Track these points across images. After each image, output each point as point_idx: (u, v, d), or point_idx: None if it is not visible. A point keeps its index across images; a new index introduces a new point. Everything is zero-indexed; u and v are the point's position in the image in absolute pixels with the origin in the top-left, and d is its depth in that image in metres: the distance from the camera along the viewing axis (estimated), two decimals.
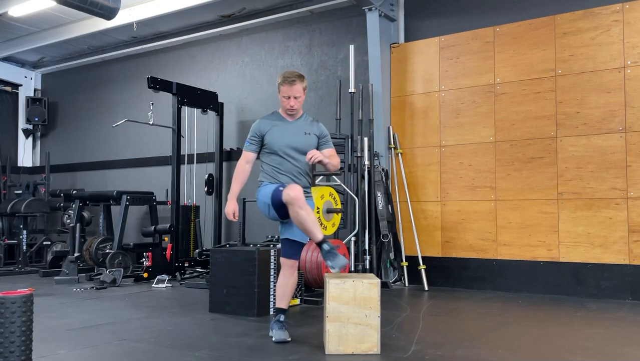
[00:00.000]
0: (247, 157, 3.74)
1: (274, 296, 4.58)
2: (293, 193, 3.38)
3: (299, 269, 5.20)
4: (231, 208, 3.69)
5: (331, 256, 3.34)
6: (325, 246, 3.38)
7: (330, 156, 3.72)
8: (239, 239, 6.86)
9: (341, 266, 3.31)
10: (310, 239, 3.54)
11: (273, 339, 3.58)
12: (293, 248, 3.68)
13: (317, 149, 3.74)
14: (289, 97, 3.65)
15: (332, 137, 6.16)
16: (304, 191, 3.60)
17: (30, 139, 10.52)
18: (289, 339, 3.56)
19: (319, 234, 3.41)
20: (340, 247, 5.46)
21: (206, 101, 7.66)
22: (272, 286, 4.59)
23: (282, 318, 3.65)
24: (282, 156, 3.65)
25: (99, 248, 7.23)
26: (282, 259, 3.71)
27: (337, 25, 7.28)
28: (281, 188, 3.48)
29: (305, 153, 3.64)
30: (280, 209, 3.51)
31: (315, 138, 3.74)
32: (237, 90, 8.17)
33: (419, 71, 6.59)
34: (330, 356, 3.20)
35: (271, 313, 4.55)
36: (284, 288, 3.70)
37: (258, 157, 3.78)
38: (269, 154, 3.69)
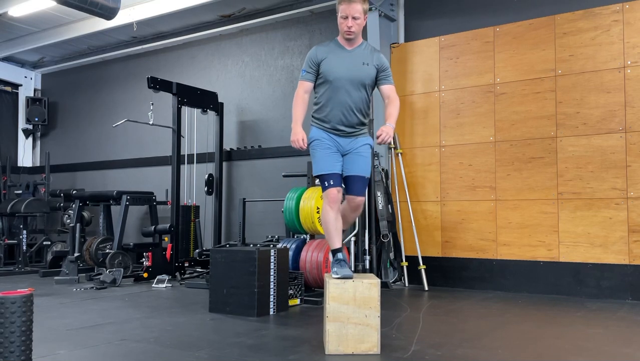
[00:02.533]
0: (305, 87, 3.54)
1: (274, 296, 4.59)
2: (331, 196, 3.35)
3: (298, 269, 5.22)
4: (299, 134, 3.43)
5: (340, 264, 3.33)
6: (340, 255, 3.37)
7: (390, 114, 3.42)
8: (239, 239, 6.86)
9: (345, 276, 3.27)
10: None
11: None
12: (358, 183, 3.51)
13: (376, 83, 3.54)
14: (347, 17, 3.40)
15: None
16: (360, 128, 3.49)
17: (30, 139, 10.52)
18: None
19: (337, 243, 3.39)
20: None
21: (206, 101, 7.66)
22: (272, 286, 4.59)
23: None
24: (337, 87, 3.45)
25: (99, 248, 7.23)
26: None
27: (337, 25, 7.27)
28: (326, 184, 3.37)
29: (362, 86, 3.46)
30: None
31: (373, 70, 3.50)
32: (237, 90, 8.17)
33: (419, 71, 6.59)
34: (330, 356, 3.20)
35: (271, 313, 4.56)
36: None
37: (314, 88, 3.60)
38: (323, 84, 3.50)
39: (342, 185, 3.55)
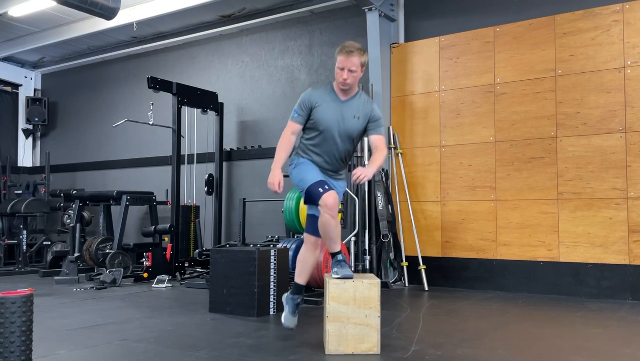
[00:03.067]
0: (293, 128, 3.50)
1: (274, 296, 4.59)
2: (330, 201, 3.26)
3: None
4: (277, 177, 3.40)
5: (340, 265, 3.34)
6: (339, 256, 3.38)
7: (374, 160, 3.44)
8: (239, 239, 6.86)
9: (345, 276, 3.28)
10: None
11: (282, 320, 3.52)
12: (317, 225, 3.51)
13: (365, 133, 3.54)
14: (343, 69, 3.38)
15: None
16: (340, 173, 3.54)
17: (30, 139, 10.52)
18: (293, 327, 3.51)
19: (337, 246, 3.40)
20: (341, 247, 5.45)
21: (206, 101, 7.66)
22: (272, 286, 4.59)
23: (298, 300, 3.55)
24: (325, 137, 3.45)
25: (99, 248, 7.23)
26: (305, 235, 3.58)
27: (337, 25, 7.28)
28: (321, 190, 3.31)
29: (350, 139, 3.48)
30: (311, 200, 3.40)
31: (363, 123, 3.48)
32: (237, 90, 8.17)
33: (419, 71, 6.59)
34: (330, 356, 3.20)
35: (271, 313, 4.56)
36: (304, 262, 3.56)
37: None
38: (313, 129, 3.49)
39: None
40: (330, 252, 3.42)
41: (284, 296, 3.69)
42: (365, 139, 3.99)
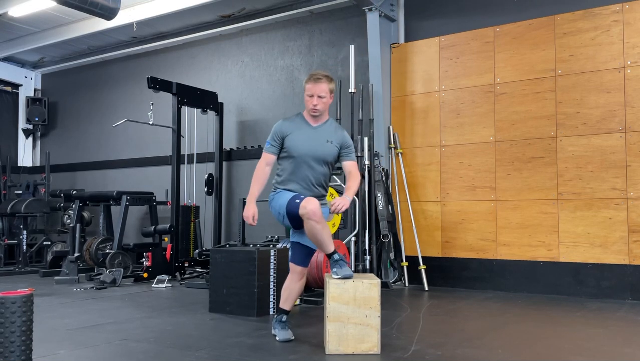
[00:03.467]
0: (267, 160, 3.59)
1: (274, 296, 4.59)
2: (310, 206, 3.27)
3: None
4: (251, 211, 3.51)
5: (339, 265, 3.34)
6: (335, 256, 3.38)
7: (349, 187, 3.52)
8: (239, 239, 6.86)
9: (345, 276, 3.28)
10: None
11: (277, 339, 3.59)
12: (303, 255, 3.62)
13: (338, 159, 3.63)
14: (313, 96, 3.50)
15: None
16: (318, 198, 3.52)
17: (30, 139, 10.52)
18: (293, 338, 3.58)
19: (330, 247, 3.39)
20: (340, 247, 5.46)
21: (206, 101, 7.66)
22: (272, 286, 4.59)
23: (284, 318, 3.66)
24: (299, 163, 3.53)
25: (99, 248, 7.23)
26: (291, 265, 3.66)
27: (337, 25, 7.28)
28: (298, 200, 3.36)
29: (324, 163, 3.55)
30: (295, 220, 3.44)
31: (336, 148, 3.59)
32: (237, 90, 8.17)
33: (419, 71, 6.59)
34: (330, 356, 3.20)
35: (271, 313, 4.56)
36: (290, 292, 3.67)
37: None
38: (287, 158, 3.57)
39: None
40: (327, 253, 3.42)
41: (273, 323, 3.73)
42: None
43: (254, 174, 3.60)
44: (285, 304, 3.69)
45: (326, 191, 3.69)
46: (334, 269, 3.34)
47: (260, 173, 3.58)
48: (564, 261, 5.60)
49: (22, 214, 7.96)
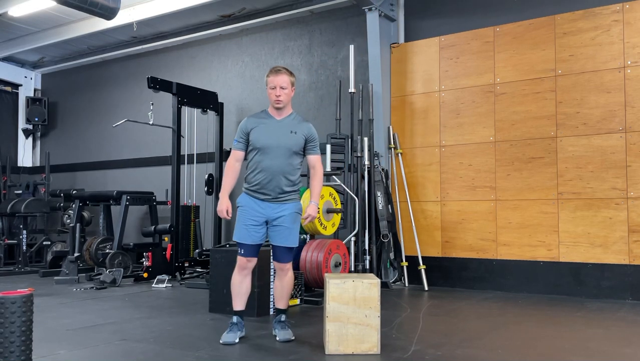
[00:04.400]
0: (236, 156, 3.70)
1: (274, 296, 4.59)
2: (241, 263, 3.65)
3: (298, 269, 5.22)
4: (224, 205, 3.64)
5: (282, 326, 3.63)
6: (282, 317, 3.69)
7: (313, 188, 3.70)
8: None
9: (284, 339, 3.54)
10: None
11: (277, 339, 3.60)
12: (281, 252, 3.71)
13: (304, 151, 3.70)
14: (275, 87, 3.59)
15: (332, 138, 6.25)
16: (287, 194, 3.62)
17: (30, 139, 10.52)
18: (293, 338, 3.59)
19: (239, 306, 3.69)
20: (340, 247, 5.46)
21: (206, 101, 7.66)
22: (271, 286, 4.59)
23: (282, 317, 3.71)
24: (264, 153, 3.59)
25: (99, 248, 7.23)
26: (274, 263, 3.80)
27: (337, 25, 7.28)
28: (240, 251, 3.65)
29: (289, 152, 3.60)
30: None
31: (302, 138, 3.66)
32: (237, 90, 8.17)
33: (419, 71, 6.59)
34: (330, 356, 3.20)
35: (271, 313, 4.56)
36: (279, 290, 3.80)
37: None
38: (252, 151, 3.65)
39: (255, 255, 3.73)
40: (233, 309, 3.70)
41: (273, 323, 3.82)
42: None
43: (224, 171, 3.77)
44: (279, 303, 3.79)
45: (295, 181, 3.71)
46: (276, 331, 3.65)
47: (230, 169, 3.71)
48: (564, 261, 5.60)
49: (22, 214, 7.96)
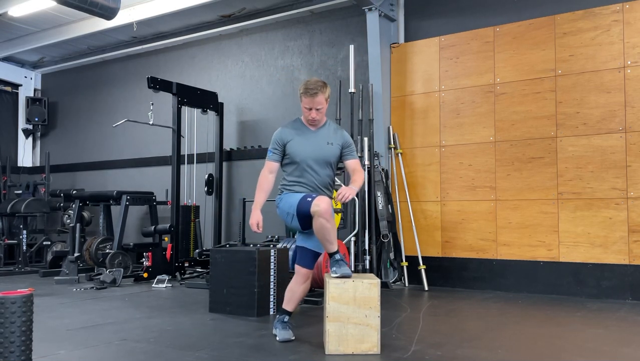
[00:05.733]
0: (270, 167, 3.63)
1: (274, 296, 4.59)
2: (322, 205, 3.29)
3: None
4: (255, 219, 3.54)
5: (339, 264, 3.37)
6: (337, 256, 3.41)
7: (355, 180, 3.54)
8: (239, 239, 6.86)
9: (344, 274, 3.31)
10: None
11: (277, 338, 3.59)
12: (309, 258, 3.63)
13: (341, 159, 3.66)
14: (311, 109, 3.53)
15: None
16: None
17: (30, 139, 10.52)
18: (293, 338, 3.58)
19: (334, 247, 3.43)
20: (340, 247, 5.45)
21: (206, 101, 7.66)
22: (272, 286, 4.59)
23: (285, 318, 3.66)
24: (303, 167, 3.56)
25: (99, 248, 7.23)
26: (297, 267, 3.66)
27: (337, 25, 7.28)
28: (309, 199, 3.39)
29: (327, 165, 3.59)
30: (304, 220, 3.46)
31: (338, 148, 3.64)
32: (237, 90, 8.17)
33: (419, 71, 6.59)
34: (330, 356, 3.20)
35: (271, 313, 4.56)
36: (293, 293, 3.67)
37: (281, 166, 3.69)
38: (290, 164, 3.61)
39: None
40: (328, 252, 3.44)
41: (274, 323, 3.72)
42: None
43: (258, 183, 3.63)
44: (288, 305, 3.68)
45: (332, 192, 3.71)
46: (334, 268, 3.36)
47: (264, 181, 3.62)
48: (564, 261, 5.60)
49: (22, 214, 7.96)
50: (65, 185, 9.47)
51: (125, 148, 9.26)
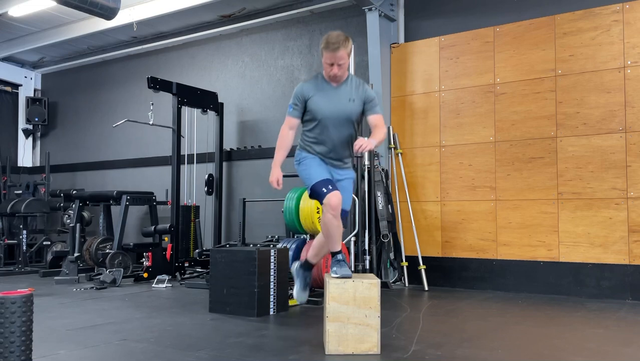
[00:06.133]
0: (291, 123, 3.52)
1: (274, 296, 4.59)
2: (334, 202, 3.28)
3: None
4: (275, 176, 3.46)
5: (340, 264, 3.37)
6: (339, 256, 3.41)
7: (375, 134, 3.43)
8: (239, 239, 6.86)
9: (344, 275, 3.31)
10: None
11: (294, 296, 3.63)
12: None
13: (363, 114, 3.56)
14: (333, 64, 3.41)
15: None
16: (346, 161, 3.56)
17: (30, 139, 10.52)
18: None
19: (338, 246, 3.44)
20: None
21: (206, 101, 7.66)
22: (272, 286, 4.59)
23: (309, 278, 3.68)
24: (324, 125, 3.47)
25: (99, 248, 7.23)
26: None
27: (337, 25, 7.27)
28: (324, 190, 3.33)
29: (349, 123, 3.49)
30: (316, 198, 3.45)
31: (360, 105, 3.51)
32: (237, 90, 8.17)
33: (419, 71, 6.59)
34: (330, 356, 3.20)
35: (271, 313, 4.56)
36: (320, 250, 3.66)
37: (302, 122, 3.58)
38: (310, 121, 3.52)
39: None
40: (331, 251, 3.43)
41: (295, 268, 3.72)
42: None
43: (278, 140, 3.54)
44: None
45: (351, 151, 3.59)
46: (335, 268, 3.35)
47: (284, 138, 3.53)
48: (564, 261, 5.60)
49: (22, 214, 7.96)
50: (65, 185, 9.47)
51: (125, 148, 9.26)
